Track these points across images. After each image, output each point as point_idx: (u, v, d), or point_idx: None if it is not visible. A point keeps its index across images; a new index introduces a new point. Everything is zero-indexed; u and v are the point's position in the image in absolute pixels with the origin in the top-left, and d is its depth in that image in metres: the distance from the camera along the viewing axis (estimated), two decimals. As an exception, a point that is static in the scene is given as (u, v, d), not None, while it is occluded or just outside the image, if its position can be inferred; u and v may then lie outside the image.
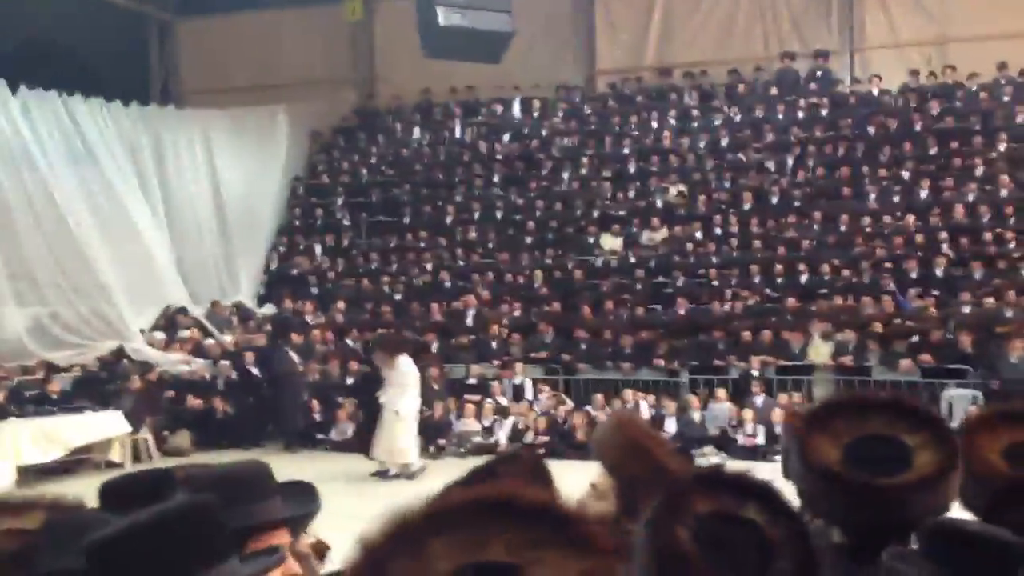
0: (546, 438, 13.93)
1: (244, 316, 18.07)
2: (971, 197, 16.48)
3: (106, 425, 13.49)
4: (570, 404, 14.62)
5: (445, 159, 21.09)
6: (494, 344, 16.07)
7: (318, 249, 19.74)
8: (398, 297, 17.87)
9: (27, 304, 15.45)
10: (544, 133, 20.87)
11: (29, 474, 12.00)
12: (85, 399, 14.11)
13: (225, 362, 16.03)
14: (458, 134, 21.68)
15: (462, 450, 14.17)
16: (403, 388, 12.41)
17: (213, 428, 15.01)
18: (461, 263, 18.50)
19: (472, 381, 15.51)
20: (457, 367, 15.89)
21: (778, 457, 2.47)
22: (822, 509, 2.21)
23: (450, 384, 15.46)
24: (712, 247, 17.25)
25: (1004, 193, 16.38)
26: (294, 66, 22.42)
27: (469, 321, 16.78)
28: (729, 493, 1.96)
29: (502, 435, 14.31)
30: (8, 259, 15.09)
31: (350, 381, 15.72)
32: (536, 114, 21.41)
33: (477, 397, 14.98)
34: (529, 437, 14.10)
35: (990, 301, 14.20)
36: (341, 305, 17.76)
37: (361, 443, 13.20)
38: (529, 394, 15.11)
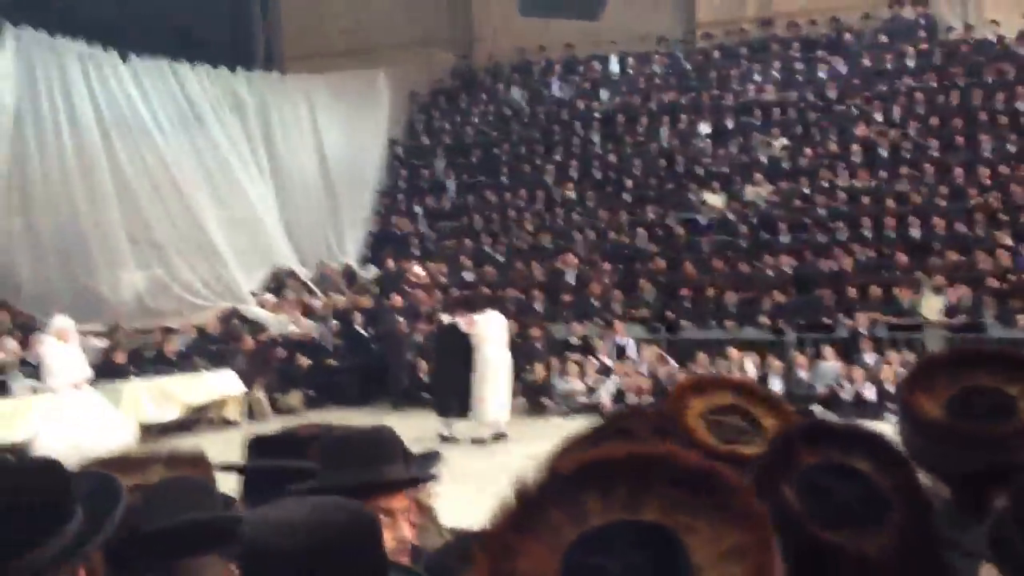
0: (650, 399, 13.88)
1: (351, 277, 18.40)
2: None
3: (221, 384, 13.94)
4: (674, 364, 14.53)
5: (544, 118, 21.03)
6: (596, 303, 16.05)
7: (419, 210, 19.93)
8: (500, 257, 17.95)
9: (145, 267, 15.96)
10: (643, 88, 20.62)
11: (151, 431, 12.47)
12: (201, 359, 14.58)
13: (334, 323, 16.38)
14: (556, 92, 21.57)
15: (566, 409, 14.24)
16: (488, 344, 12.37)
17: (323, 387, 15.37)
18: (561, 222, 18.48)
19: (574, 340, 15.52)
20: (559, 326, 15.92)
21: (889, 415, 2.47)
22: (928, 464, 2.17)
23: (552, 343, 15.51)
24: (818, 202, 16.87)
25: None
26: (391, 29, 22.53)
27: (570, 280, 16.78)
28: (836, 445, 1.95)
29: (605, 395, 14.32)
30: (128, 223, 15.59)
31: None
32: (634, 70, 21.15)
33: (579, 356, 15.00)
34: (632, 398, 14.08)
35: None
36: (442, 266, 17.93)
37: (441, 404, 12.87)
38: (632, 353, 15.04)
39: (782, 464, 1.84)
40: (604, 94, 20.98)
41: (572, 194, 18.97)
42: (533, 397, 14.56)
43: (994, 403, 2.19)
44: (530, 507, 1.28)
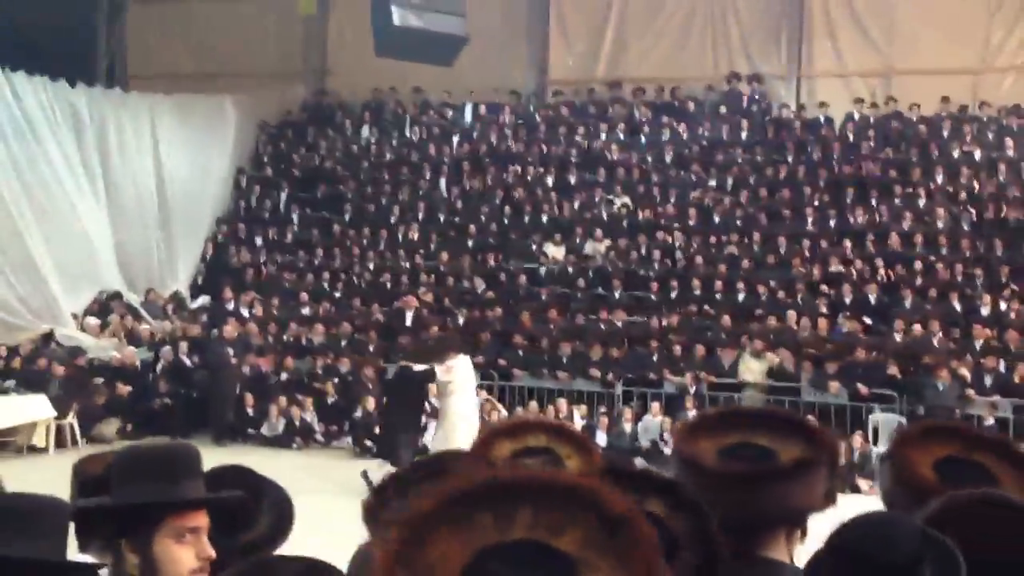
0: (478, 443, 13.90)
1: (180, 305, 17.85)
2: (906, 227, 16.84)
3: (31, 409, 13.25)
4: (503, 411, 14.63)
5: (392, 158, 21.05)
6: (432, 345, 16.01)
7: (259, 241, 19.56)
8: (338, 294, 17.78)
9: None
10: (493, 139, 20.92)
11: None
12: (10, 382, 13.83)
13: (159, 351, 15.82)
14: (407, 134, 21.65)
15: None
16: (461, 392, 11.85)
17: (143, 417, 14.79)
18: (403, 263, 18.46)
19: (407, 382, 15.43)
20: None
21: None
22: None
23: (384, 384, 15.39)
24: (653, 261, 17.41)
25: (940, 225, 16.77)
26: (244, 57, 22.23)
27: (408, 322, 16.73)
28: (631, 489, 2.03)
29: (428, 436, 14.28)
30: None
31: (284, 377, 15.61)
32: (485, 120, 21.45)
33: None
34: (462, 441, 14.08)
35: (918, 329, 14.52)
36: (279, 300, 17.62)
37: (384, 448, 12.51)
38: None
39: None
40: (454, 140, 21.17)
41: (415, 236, 18.99)
42: (361, 434, 14.40)
43: (757, 454, 2.37)
44: (461, 502, 1.32)
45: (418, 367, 12.19)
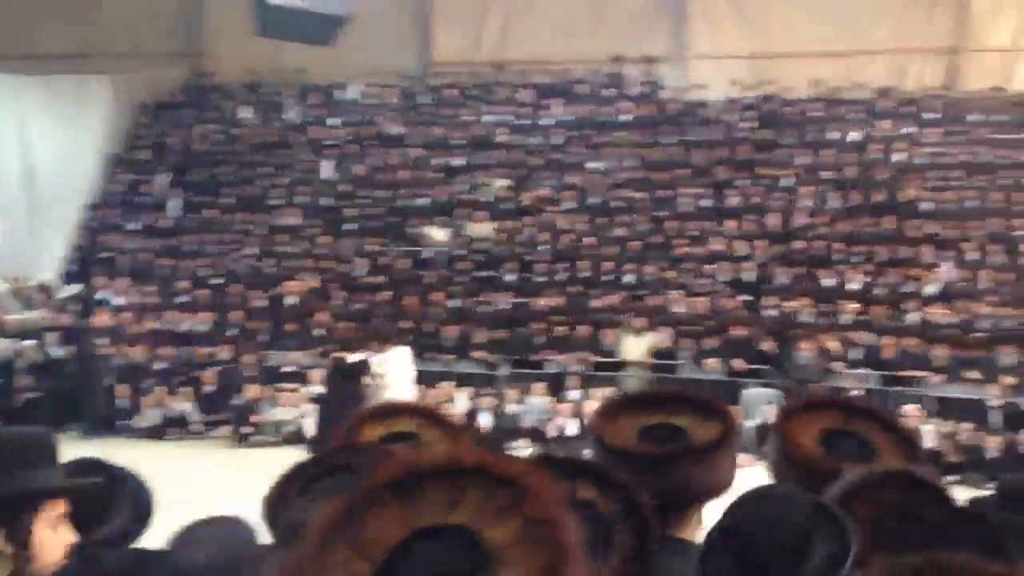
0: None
1: (49, 294, 17.20)
2: (780, 206, 17.25)
3: None
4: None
5: (273, 141, 20.63)
6: (314, 332, 15.82)
7: (133, 227, 18.98)
8: (217, 281, 17.38)
9: None
10: (376, 120, 20.69)
11: None
12: None
13: (27, 342, 15.23)
14: (288, 115, 21.25)
15: (272, 439, 13.91)
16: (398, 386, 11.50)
17: (8, 410, 14.22)
18: (285, 248, 18.14)
19: (289, 369, 15.23)
20: (276, 354, 15.57)
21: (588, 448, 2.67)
22: None
23: (267, 371, 15.15)
24: (536, 242, 17.48)
25: (813, 204, 17.22)
26: (117, 36, 21.51)
27: (292, 308, 16.46)
28: (564, 475, 2.03)
29: (310, 423, 14.12)
30: None
31: (160, 366, 15.22)
32: (367, 101, 21.20)
33: (294, 385, 14.74)
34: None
35: (792, 305, 14.91)
36: (155, 287, 17.14)
37: (316, 444, 11.91)
38: (348, 383, 14.92)
39: None
40: (336, 122, 20.87)
41: (297, 220, 18.69)
42: (240, 422, 14.15)
43: (673, 436, 2.45)
44: (411, 478, 1.35)
45: (352, 358, 11.79)
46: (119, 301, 16.64)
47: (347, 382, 11.70)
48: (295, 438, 13.74)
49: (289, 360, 15.32)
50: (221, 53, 22.22)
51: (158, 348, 15.46)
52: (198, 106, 21.74)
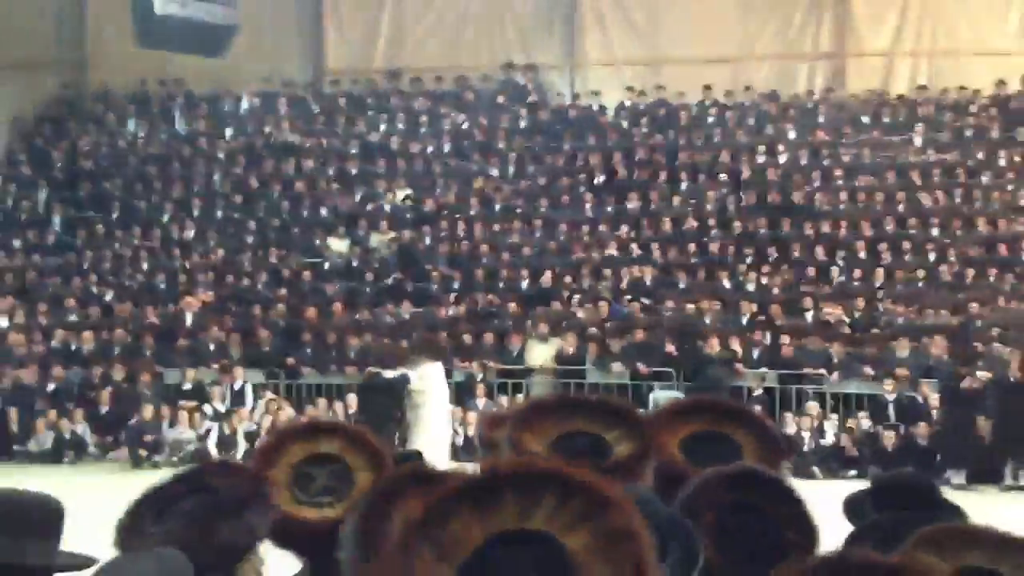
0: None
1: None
2: (677, 209, 17.57)
3: None
4: (289, 409, 14.29)
5: (162, 153, 20.07)
6: (213, 347, 15.45)
7: (17, 244, 18.22)
8: (108, 298, 16.82)
9: None
10: (269, 131, 20.33)
11: None
12: None
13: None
14: (178, 127, 20.70)
15: (174, 459, 13.50)
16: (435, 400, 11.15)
17: None
18: (178, 262, 17.67)
19: (187, 386, 14.82)
20: (172, 371, 15.13)
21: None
22: None
23: (164, 390, 14.73)
24: (438, 251, 17.42)
25: (708, 207, 17.58)
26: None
27: (187, 323, 16.03)
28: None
29: (211, 443, 13.80)
30: None
31: (52, 387, 14.66)
32: (260, 111, 20.82)
33: (192, 403, 14.37)
34: (244, 445, 13.68)
35: (691, 307, 15.17)
36: (43, 306, 16.48)
37: None
38: (249, 399, 14.64)
39: (386, 504, 1.83)
40: (229, 133, 20.44)
41: (191, 234, 18.23)
42: (137, 444, 13.71)
43: (592, 445, 2.38)
44: (488, 483, 1.35)
45: (389, 374, 11.42)
46: (2, 323, 15.95)
47: (382, 400, 11.31)
48: (196, 457, 13.38)
49: (187, 377, 14.91)
50: (105, 64, 21.48)
51: (49, 369, 14.87)
52: (81, 118, 21.00)
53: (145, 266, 17.60)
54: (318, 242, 17.88)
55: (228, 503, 2.24)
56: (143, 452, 13.68)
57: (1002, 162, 17.88)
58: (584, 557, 1.29)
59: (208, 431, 13.97)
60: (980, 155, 18.10)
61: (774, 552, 2.06)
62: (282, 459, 2.72)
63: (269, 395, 14.67)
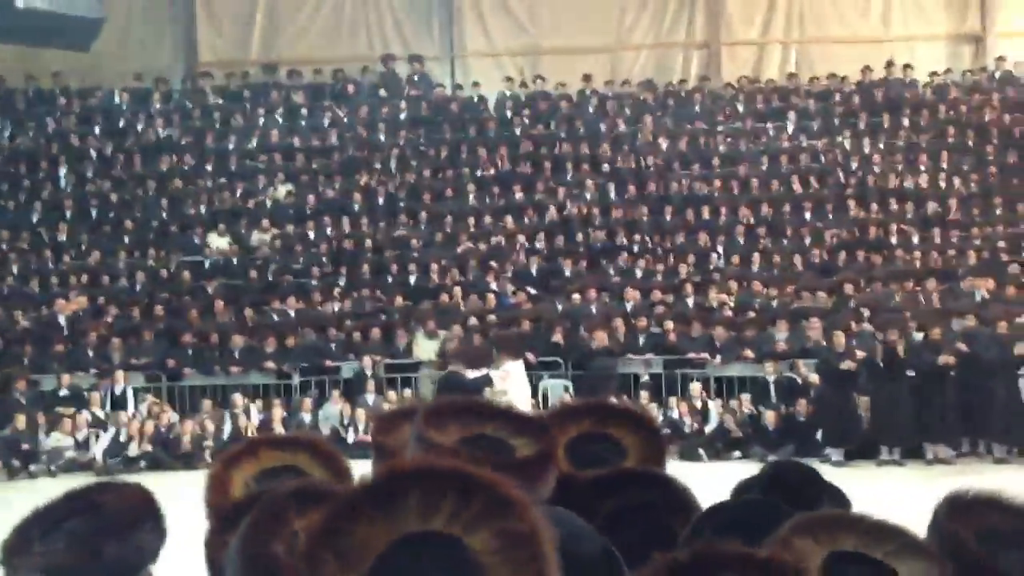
0: (149, 449, 13.24)
1: None
2: (560, 199, 17.74)
3: None
4: (172, 413, 13.95)
5: (28, 151, 19.29)
6: (91, 351, 14.95)
7: None
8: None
9: None
10: (141, 127, 19.73)
11: None
12: None
13: None
14: (45, 125, 19.88)
15: (52, 468, 13.05)
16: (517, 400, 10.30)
17: None
18: (51, 264, 17.04)
19: (64, 392, 14.30)
20: (48, 377, 14.57)
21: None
22: None
23: (39, 396, 14.18)
24: (322, 247, 17.21)
25: (589, 196, 17.80)
26: None
27: (63, 328, 15.47)
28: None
29: (98, 450, 13.37)
30: None
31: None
32: (133, 106, 20.19)
33: (71, 410, 13.88)
34: (132, 450, 13.29)
35: (577, 297, 15.35)
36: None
37: None
38: (131, 404, 14.22)
39: (272, 524, 1.81)
40: (99, 130, 19.75)
41: (63, 235, 17.58)
42: (12, 456, 13.17)
43: (497, 446, 2.33)
44: (390, 485, 1.34)
45: (472, 374, 10.85)
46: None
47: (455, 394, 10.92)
48: (75, 466, 12.98)
49: (64, 383, 14.38)
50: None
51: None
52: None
53: (14, 269, 16.92)
54: (197, 240, 17.47)
55: (116, 522, 2.20)
56: (16, 462, 13.14)
57: (867, 148, 18.57)
58: (487, 558, 1.30)
59: (89, 437, 13.51)
60: (848, 140, 18.77)
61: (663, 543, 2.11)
62: (238, 473, 2.64)
63: (151, 399, 14.29)
